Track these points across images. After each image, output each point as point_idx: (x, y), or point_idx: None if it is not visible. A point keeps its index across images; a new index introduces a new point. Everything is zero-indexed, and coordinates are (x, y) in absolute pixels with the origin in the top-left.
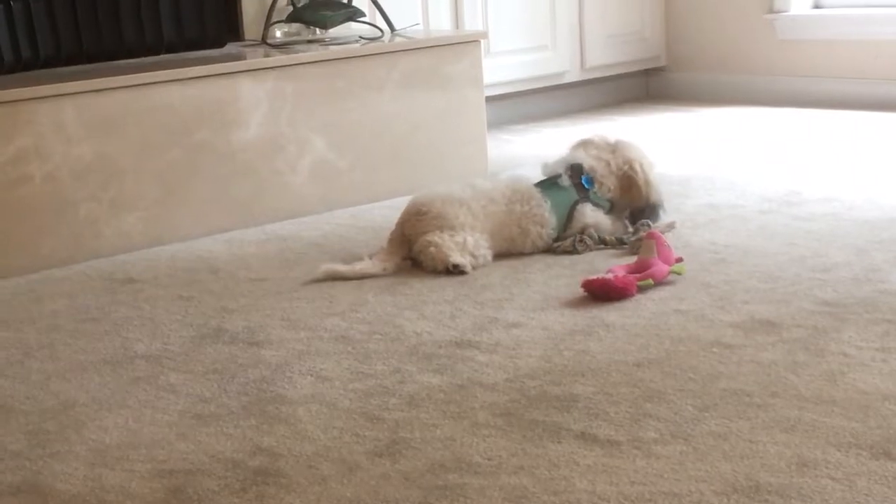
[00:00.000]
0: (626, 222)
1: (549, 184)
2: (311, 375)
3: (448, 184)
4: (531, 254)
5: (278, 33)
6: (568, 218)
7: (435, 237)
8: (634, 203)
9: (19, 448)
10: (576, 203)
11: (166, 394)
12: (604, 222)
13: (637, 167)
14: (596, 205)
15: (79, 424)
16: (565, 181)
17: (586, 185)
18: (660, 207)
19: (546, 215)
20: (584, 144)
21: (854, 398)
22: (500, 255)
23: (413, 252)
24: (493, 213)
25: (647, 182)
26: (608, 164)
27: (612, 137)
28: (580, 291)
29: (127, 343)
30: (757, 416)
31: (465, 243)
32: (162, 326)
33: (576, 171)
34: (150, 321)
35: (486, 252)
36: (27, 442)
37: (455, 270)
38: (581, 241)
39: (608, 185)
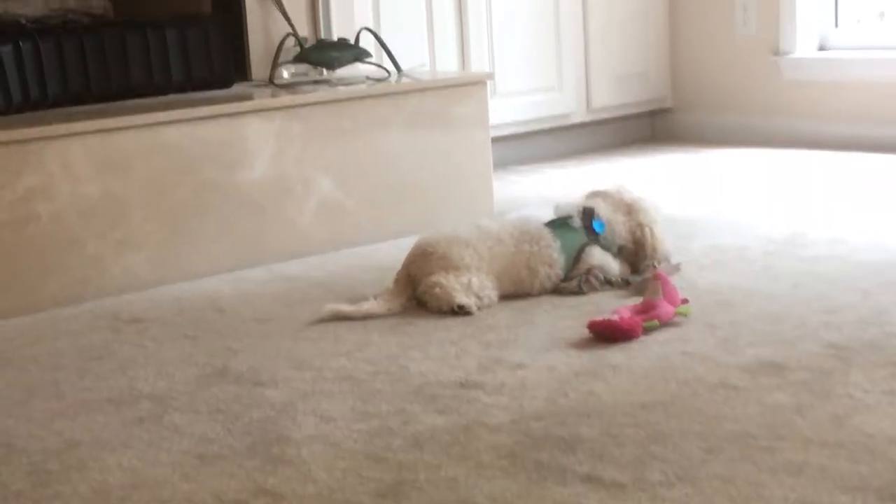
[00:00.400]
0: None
1: (559, 224)
2: (316, 416)
3: (454, 224)
4: (538, 295)
5: (285, 74)
6: (576, 259)
7: (440, 278)
8: (639, 259)
9: (22, 487)
10: (584, 245)
11: (170, 434)
12: (611, 264)
13: (648, 233)
14: (605, 248)
15: (82, 464)
16: (576, 223)
17: (597, 230)
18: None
19: (555, 256)
20: (602, 195)
21: (860, 441)
22: (506, 296)
23: (418, 292)
24: (500, 254)
25: (655, 249)
26: (622, 222)
27: (628, 194)
28: (586, 332)
29: (131, 382)
30: (763, 458)
31: (469, 284)
32: (167, 366)
33: (588, 214)
34: (155, 360)
35: (491, 293)
36: (30, 482)
37: (460, 311)
38: (587, 281)
39: (619, 232)
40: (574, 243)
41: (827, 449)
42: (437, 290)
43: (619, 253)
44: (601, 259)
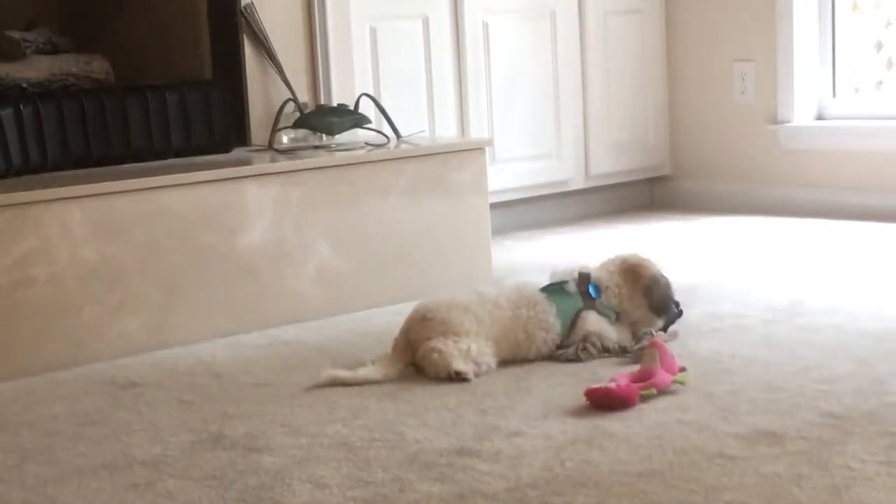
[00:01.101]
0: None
1: (555, 289)
2: (311, 483)
3: (453, 290)
4: (535, 360)
5: (285, 139)
6: (572, 324)
7: (439, 343)
8: (641, 296)
9: None
10: (580, 310)
11: (164, 500)
12: (607, 331)
13: (649, 294)
14: (601, 313)
15: None
16: (571, 288)
17: (593, 295)
18: (670, 301)
19: (552, 320)
20: (607, 261)
21: None
22: (504, 362)
23: (417, 358)
24: (498, 319)
25: (654, 276)
26: (619, 285)
27: (634, 258)
28: (583, 400)
29: (126, 448)
30: None
31: (468, 350)
32: (162, 431)
33: (583, 279)
34: (150, 426)
35: (489, 359)
36: None
37: (457, 377)
38: (584, 349)
39: (616, 296)
40: (570, 308)
41: None
42: (436, 355)
43: (618, 318)
44: (597, 325)
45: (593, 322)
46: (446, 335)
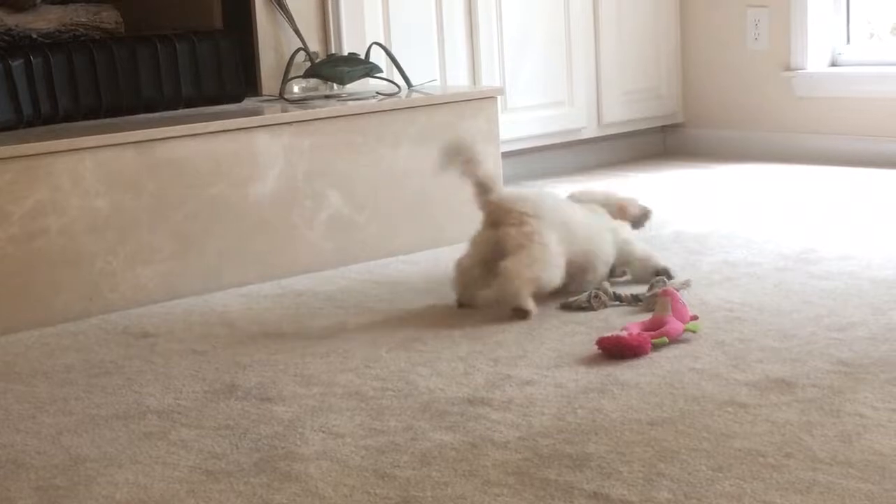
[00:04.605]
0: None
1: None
2: (323, 432)
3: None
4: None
5: (296, 88)
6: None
7: (512, 263)
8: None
9: (29, 503)
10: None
11: (177, 449)
12: (654, 255)
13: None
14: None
15: (89, 480)
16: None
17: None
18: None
19: (609, 248)
20: (592, 196)
21: (870, 459)
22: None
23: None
24: (572, 241)
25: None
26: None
27: (614, 196)
28: (594, 349)
29: (139, 398)
30: (771, 476)
31: (538, 279)
32: (175, 381)
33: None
34: (163, 376)
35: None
36: (37, 497)
37: (518, 314)
38: (596, 296)
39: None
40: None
41: (836, 467)
42: (505, 280)
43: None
44: (645, 250)
45: (642, 248)
46: (525, 246)
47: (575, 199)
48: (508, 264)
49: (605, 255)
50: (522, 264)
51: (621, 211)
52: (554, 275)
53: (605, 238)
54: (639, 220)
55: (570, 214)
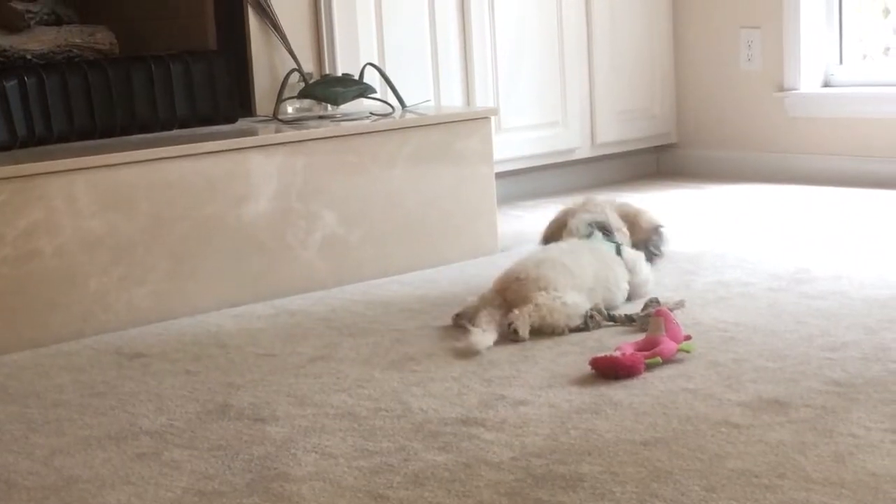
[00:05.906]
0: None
1: (597, 238)
2: (316, 452)
3: (527, 252)
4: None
5: (290, 109)
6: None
7: (542, 298)
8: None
9: None
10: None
11: (170, 470)
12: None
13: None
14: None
15: (81, 501)
16: (600, 236)
17: (614, 239)
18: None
19: (622, 269)
20: (581, 209)
21: (863, 480)
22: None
23: (515, 318)
24: (586, 270)
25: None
26: (616, 216)
27: (619, 205)
28: (588, 369)
29: (132, 418)
30: (765, 497)
31: (565, 304)
32: (168, 402)
33: (602, 226)
34: (156, 396)
35: (585, 309)
36: None
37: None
38: (591, 317)
39: (624, 233)
40: (616, 254)
41: (829, 488)
42: (546, 311)
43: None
44: (647, 271)
45: (647, 268)
46: (547, 290)
47: (583, 209)
48: (537, 299)
49: (622, 292)
50: (548, 297)
51: (632, 226)
52: (576, 299)
53: (618, 274)
54: (649, 237)
55: (579, 267)
